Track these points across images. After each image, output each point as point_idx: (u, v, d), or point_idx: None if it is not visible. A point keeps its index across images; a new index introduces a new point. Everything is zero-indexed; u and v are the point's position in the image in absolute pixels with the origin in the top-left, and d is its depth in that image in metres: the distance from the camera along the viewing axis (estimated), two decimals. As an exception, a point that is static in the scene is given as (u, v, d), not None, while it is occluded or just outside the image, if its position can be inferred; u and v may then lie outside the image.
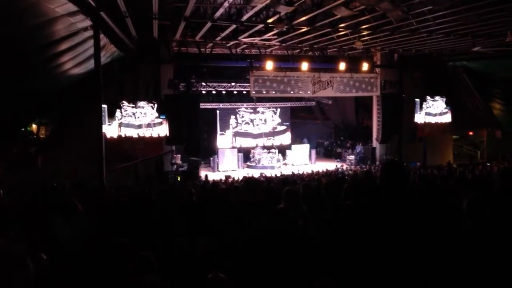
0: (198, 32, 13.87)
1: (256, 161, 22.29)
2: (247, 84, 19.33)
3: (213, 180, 14.16)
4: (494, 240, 2.67)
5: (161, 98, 16.38)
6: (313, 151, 23.92)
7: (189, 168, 18.29)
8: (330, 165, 21.00)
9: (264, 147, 23.01)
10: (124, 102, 15.28)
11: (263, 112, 24.56)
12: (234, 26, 12.83)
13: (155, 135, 15.61)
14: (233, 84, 20.86)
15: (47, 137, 16.30)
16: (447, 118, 20.33)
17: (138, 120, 15.43)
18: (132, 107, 15.35)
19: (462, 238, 2.78)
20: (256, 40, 15.06)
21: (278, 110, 24.88)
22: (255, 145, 23.45)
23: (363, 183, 5.34)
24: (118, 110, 15.13)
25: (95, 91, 10.73)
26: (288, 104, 25.29)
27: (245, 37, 14.37)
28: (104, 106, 13.09)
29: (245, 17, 11.59)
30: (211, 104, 23.11)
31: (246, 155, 22.57)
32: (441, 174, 10.35)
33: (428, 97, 19.95)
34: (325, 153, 26.67)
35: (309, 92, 19.20)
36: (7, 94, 10.15)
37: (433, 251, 2.59)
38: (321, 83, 19.03)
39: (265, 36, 14.17)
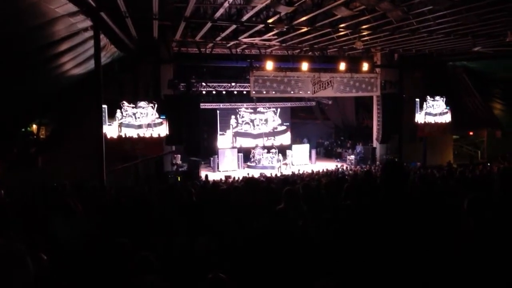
0: (198, 32, 13.87)
1: (256, 161, 22.29)
2: (247, 84, 19.33)
3: (213, 180, 14.16)
4: (494, 240, 2.67)
5: (161, 98, 16.38)
6: (313, 151, 23.93)
7: (189, 168, 18.30)
8: (330, 165, 21.01)
9: (264, 147, 23.02)
10: (124, 102, 15.30)
11: (264, 113, 24.57)
12: (234, 26, 12.83)
13: (155, 135, 15.62)
14: (233, 84, 20.86)
15: (47, 137, 16.30)
16: (447, 118, 20.34)
17: (138, 120, 15.45)
18: (132, 107, 15.36)
19: (463, 238, 2.78)
20: (256, 40, 15.06)
21: (278, 110, 24.90)
22: (255, 145, 23.46)
23: (363, 183, 5.34)
24: (118, 110, 15.15)
25: (95, 91, 10.73)
26: (288, 104, 25.29)
27: (245, 37, 14.37)
28: (104, 106, 13.11)
29: (245, 17, 11.59)
30: (211, 104, 23.12)
31: (246, 155, 22.58)
32: (441, 174, 10.35)
33: (428, 97, 19.96)
34: (325, 153, 26.67)
35: (309, 92, 19.20)
36: (7, 94, 10.15)
37: (433, 251, 2.59)
38: (321, 83, 19.03)
39: (265, 36, 14.17)
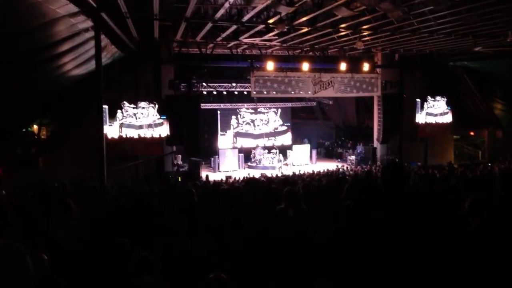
0: (199, 33, 13.88)
1: (257, 162, 22.29)
2: (247, 85, 19.35)
3: (214, 180, 14.16)
4: (495, 240, 2.67)
5: (161, 98, 16.39)
6: (314, 152, 23.92)
7: (190, 168, 18.30)
8: (331, 166, 21.01)
9: (264, 148, 23.02)
10: (125, 102, 15.32)
11: (265, 113, 24.59)
12: (235, 26, 12.83)
13: (156, 135, 15.64)
14: (233, 84, 20.88)
15: (48, 138, 16.31)
16: (448, 118, 20.33)
17: (139, 121, 15.47)
18: (133, 107, 15.38)
19: (464, 238, 2.78)
20: (257, 40, 15.06)
21: (279, 110, 24.91)
22: (255, 145, 23.46)
23: (364, 183, 5.34)
24: (119, 111, 15.18)
25: (96, 91, 10.72)
26: (289, 105, 25.31)
27: (245, 38, 14.36)
28: (105, 106, 13.11)
29: (246, 18, 11.59)
30: (212, 104, 23.14)
31: (247, 155, 22.59)
32: (442, 174, 10.34)
33: (429, 97, 19.97)
34: (326, 154, 26.66)
35: (309, 92, 19.20)
36: (8, 95, 10.16)
37: (433, 251, 2.59)
38: (322, 83, 19.03)
39: (266, 37, 14.16)
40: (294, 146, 23.60)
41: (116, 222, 4.36)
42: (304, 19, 11.44)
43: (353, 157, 22.55)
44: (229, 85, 20.94)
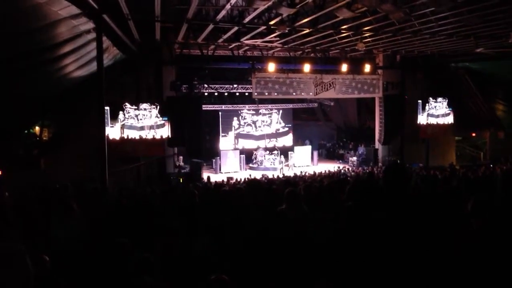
0: (200, 34, 13.89)
1: (258, 163, 22.29)
2: (249, 86, 19.35)
3: (215, 181, 14.16)
4: (497, 241, 2.66)
5: (163, 100, 16.41)
6: (315, 153, 23.90)
7: (191, 169, 18.30)
8: (332, 167, 20.98)
9: (266, 149, 23.02)
10: (126, 104, 15.33)
11: (268, 115, 24.60)
12: (236, 28, 12.85)
13: (157, 137, 15.65)
14: (235, 85, 20.89)
15: (49, 139, 16.33)
16: (450, 119, 20.31)
17: (140, 122, 15.48)
18: (135, 109, 15.40)
19: (466, 239, 2.77)
20: (258, 42, 15.07)
21: (280, 111, 24.92)
22: (257, 146, 23.47)
23: (365, 184, 5.33)
24: (120, 112, 15.20)
25: (97, 93, 10.75)
26: (290, 106, 25.31)
27: (247, 39, 14.38)
28: (107, 108, 13.13)
29: (247, 19, 11.61)
30: (213, 105, 23.15)
31: (248, 156, 22.59)
32: (444, 175, 10.32)
33: (431, 98, 19.95)
34: (327, 155, 26.64)
35: (311, 93, 19.20)
36: (9, 96, 10.19)
37: (434, 252, 2.58)
38: (323, 84, 19.02)
39: (267, 38, 14.17)
40: (296, 148, 23.59)
41: (116, 223, 4.37)
42: (305, 20, 11.45)
43: (354, 158, 22.53)
44: (231, 86, 20.96)
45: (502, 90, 19.75)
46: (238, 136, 23.95)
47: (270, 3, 9.35)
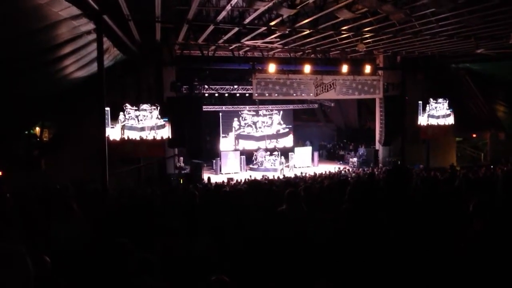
0: (201, 35, 13.90)
1: (259, 164, 22.29)
2: (249, 87, 19.35)
3: (216, 182, 14.16)
4: (498, 242, 2.66)
5: (163, 100, 16.41)
6: (316, 154, 23.90)
7: (192, 170, 18.30)
8: (333, 168, 20.98)
9: (266, 150, 23.02)
10: (127, 105, 15.34)
11: (269, 116, 24.60)
12: (236, 29, 12.85)
13: (158, 137, 15.65)
14: (235, 86, 20.90)
15: (50, 140, 16.35)
16: (450, 120, 20.30)
17: (141, 123, 15.49)
18: (135, 109, 15.41)
19: (468, 240, 2.77)
20: (259, 42, 15.08)
21: (281, 112, 24.92)
22: (257, 147, 23.47)
23: (366, 185, 5.33)
24: (121, 113, 15.20)
25: (98, 94, 10.75)
26: (291, 107, 25.31)
27: (247, 40, 14.38)
28: (107, 108, 13.14)
29: (247, 20, 11.61)
30: (214, 106, 23.15)
31: (248, 157, 22.59)
32: (445, 176, 10.31)
33: (431, 99, 19.95)
34: (327, 156, 26.64)
35: (311, 94, 19.19)
36: (10, 96, 10.19)
37: (434, 252, 2.58)
38: (324, 85, 19.02)
39: (268, 39, 14.18)
40: (296, 148, 23.59)
41: (117, 223, 4.37)
42: (306, 21, 11.46)
43: (355, 159, 22.52)
44: (231, 87, 20.97)
45: (502, 91, 19.74)
46: (239, 137, 23.95)
47: (270, 4, 9.35)
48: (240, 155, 22.13)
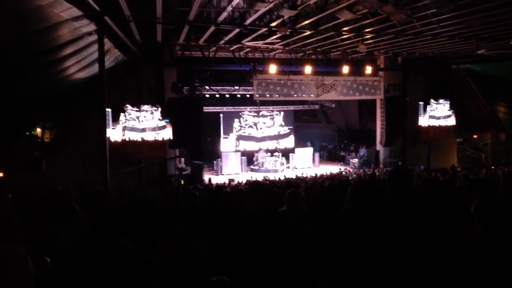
0: (202, 36, 13.91)
1: (260, 165, 22.28)
2: (250, 88, 19.36)
3: (217, 183, 14.16)
4: (500, 243, 2.65)
5: (164, 101, 16.42)
6: (317, 155, 23.90)
7: (193, 171, 18.31)
8: (334, 169, 20.97)
9: (267, 151, 23.02)
10: (128, 105, 15.35)
11: (270, 116, 24.60)
12: (237, 30, 12.86)
13: (159, 138, 15.65)
14: (236, 87, 20.91)
15: (51, 141, 16.36)
16: (451, 121, 20.28)
17: (142, 124, 15.49)
18: (136, 110, 15.41)
19: (469, 240, 2.77)
20: (260, 43, 15.09)
21: (282, 113, 24.92)
22: (258, 148, 23.46)
23: (367, 186, 5.32)
24: (122, 114, 15.20)
25: (99, 95, 10.77)
26: (292, 108, 25.32)
27: (248, 41, 14.40)
28: (108, 109, 13.15)
29: (248, 21, 11.62)
30: (215, 107, 23.16)
31: (249, 158, 22.59)
32: (446, 177, 10.30)
33: (432, 100, 19.93)
34: (328, 157, 26.63)
35: (312, 95, 19.21)
36: (11, 97, 10.21)
37: (434, 252, 2.58)
38: (325, 86, 19.03)
39: (269, 40, 14.19)
40: (297, 149, 23.58)
41: (118, 224, 4.37)
42: (306, 22, 11.46)
43: (355, 160, 22.51)
44: (232, 88, 20.98)
45: (503, 92, 19.73)
46: (239, 138, 23.95)
47: (271, 5, 9.36)
48: (241, 156, 22.13)
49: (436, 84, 20.42)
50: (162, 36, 13.90)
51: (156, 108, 15.63)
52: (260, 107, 23.87)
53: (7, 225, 2.99)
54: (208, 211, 4.89)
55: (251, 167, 22.39)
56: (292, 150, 23.65)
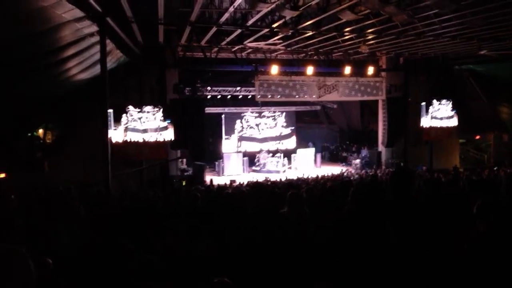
0: (204, 37, 13.92)
1: (261, 166, 22.28)
2: (252, 89, 19.36)
3: (218, 184, 14.16)
4: (502, 244, 2.64)
5: (166, 102, 16.43)
6: (319, 155, 23.88)
7: (194, 172, 18.31)
8: (336, 169, 20.94)
9: (269, 152, 23.01)
10: (129, 106, 15.37)
11: (272, 117, 24.59)
12: (239, 30, 12.87)
13: (160, 139, 15.66)
14: (238, 88, 20.91)
15: (53, 142, 16.41)
16: (454, 122, 20.22)
17: (143, 125, 15.50)
18: (138, 111, 15.43)
19: (472, 241, 2.76)
20: (262, 44, 15.09)
21: (284, 114, 24.91)
22: (260, 149, 23.45)
23: (369, 187, 5.31)
24: (124, 115, 15.21)
25: (101, 96, 10.78)
26: (293, 108, 25.30)
27: (250, 42, 14.40)
28: (110, 110, 13.17)
29: (250, 22, 11.62)
30: (216, 108, 23.14)
31: (251, 159, 22.58)
32: (448, 178, 10.26)
33: (434, 101, 19.88)
34: (330, 157, 26.61)
35: (314, 96, 19.20)
36: (13, 98, 10.24)
37: (436, 253, 2.57)
38: (327, 87, 19.02)
39: (270, 41, 14.19)
40: (299, 150, 23.57)
41: (119, 225, 4.37)
42: (308, 23, 11.45)
43: (357, 161, 22.47)
44: (234, 89, 20.97)
45: (506, 92, 19.65)
46: (241, 138, 23.94)
47: (273, 5, 9.36)
48: (243, 157, 22.13)
49: (438, 84, 20.37)
50: (164, 37, 13.92)
51: (158, 109, 15.64)
52: (262, 108, 23.86)
53: (8, 225, 2.99)
54: (210, 212, 4.88)
55: (253, 168, 22.39)
56: (294, 151, 23.63)
